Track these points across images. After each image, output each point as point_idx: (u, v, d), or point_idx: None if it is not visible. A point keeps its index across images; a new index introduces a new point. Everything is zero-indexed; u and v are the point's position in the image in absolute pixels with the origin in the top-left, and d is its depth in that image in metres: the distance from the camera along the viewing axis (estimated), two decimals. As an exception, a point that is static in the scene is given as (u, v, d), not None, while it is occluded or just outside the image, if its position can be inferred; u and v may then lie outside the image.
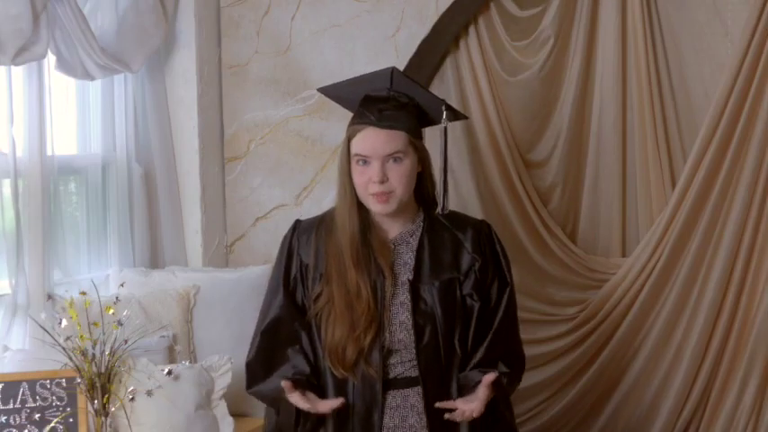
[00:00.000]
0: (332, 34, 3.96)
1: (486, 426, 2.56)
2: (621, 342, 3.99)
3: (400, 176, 2.50)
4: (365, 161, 2.50)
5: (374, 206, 2.53)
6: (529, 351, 3.92)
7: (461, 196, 4.19)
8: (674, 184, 3.95)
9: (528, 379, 4.06)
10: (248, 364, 2.63)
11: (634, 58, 4.00)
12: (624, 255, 4.11)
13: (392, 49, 3.90)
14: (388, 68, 2.58)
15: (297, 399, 2.47)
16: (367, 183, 2.51)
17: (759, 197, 3.78)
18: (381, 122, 2.50)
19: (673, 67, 3.99)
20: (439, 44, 4.07)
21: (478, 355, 2.55)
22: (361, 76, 2.65)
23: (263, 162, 4.07)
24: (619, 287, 3.98)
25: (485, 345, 2.56)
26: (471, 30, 4.16)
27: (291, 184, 4.04)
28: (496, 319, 2.59)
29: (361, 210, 2.56)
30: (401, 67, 3.83)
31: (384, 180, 2.49)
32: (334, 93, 2.69)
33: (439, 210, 2.62)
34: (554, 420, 4.12)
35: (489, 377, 2.48)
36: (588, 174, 4.14)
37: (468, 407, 2.47)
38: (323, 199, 3.95)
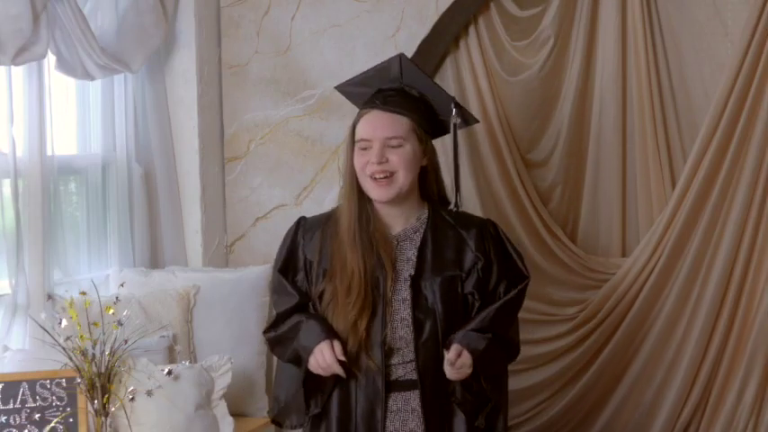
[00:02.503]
0: (332, 34, 3.96)
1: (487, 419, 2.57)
2: (621, 342, 3.99)
3: (400, 159, 2.51)
4: (366, 146, 2.52)
5: (373, 191, 2.53)
6: (529, 351, 3.96)
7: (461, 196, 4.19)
8: (674, 184, 3.95)
9: (528, 379, 4.07)
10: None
11: (634, 58, 4.00)
12: (624, 255, 4.11)
13: (392, 49, 3.88)
14: (395, 56, 2.61)
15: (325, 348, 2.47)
16: (365, 164, 2.52)
17: (759, 197, 3.78)
18: (385, 106, 2.53)
19: (673, 67, 3.99)
20: (439, 44, 4.07)
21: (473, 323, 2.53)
22: (370, 70, 2.68)
23: (263, 162, 4.07)
24: (619, 287, 3.98)
25: (482, 314, 2.54)
26: (471, 30, 4.16)
27: (291, 184, 4.04)
28: (504, 299, 2.57)
29: (362, 197, 2.56)
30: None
31: (382, 161, 2.50)
32: (350, 90, 2.73)
33: (452, 206, 2.62)
34: (554, 420, 4.11)
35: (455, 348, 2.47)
36: (588, 174, 4.14)
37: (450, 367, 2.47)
38: (323, 199, 3.95)
